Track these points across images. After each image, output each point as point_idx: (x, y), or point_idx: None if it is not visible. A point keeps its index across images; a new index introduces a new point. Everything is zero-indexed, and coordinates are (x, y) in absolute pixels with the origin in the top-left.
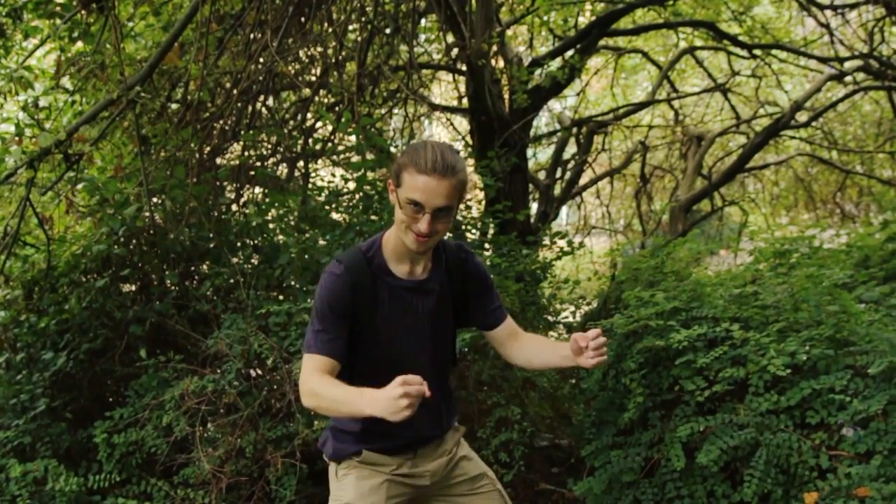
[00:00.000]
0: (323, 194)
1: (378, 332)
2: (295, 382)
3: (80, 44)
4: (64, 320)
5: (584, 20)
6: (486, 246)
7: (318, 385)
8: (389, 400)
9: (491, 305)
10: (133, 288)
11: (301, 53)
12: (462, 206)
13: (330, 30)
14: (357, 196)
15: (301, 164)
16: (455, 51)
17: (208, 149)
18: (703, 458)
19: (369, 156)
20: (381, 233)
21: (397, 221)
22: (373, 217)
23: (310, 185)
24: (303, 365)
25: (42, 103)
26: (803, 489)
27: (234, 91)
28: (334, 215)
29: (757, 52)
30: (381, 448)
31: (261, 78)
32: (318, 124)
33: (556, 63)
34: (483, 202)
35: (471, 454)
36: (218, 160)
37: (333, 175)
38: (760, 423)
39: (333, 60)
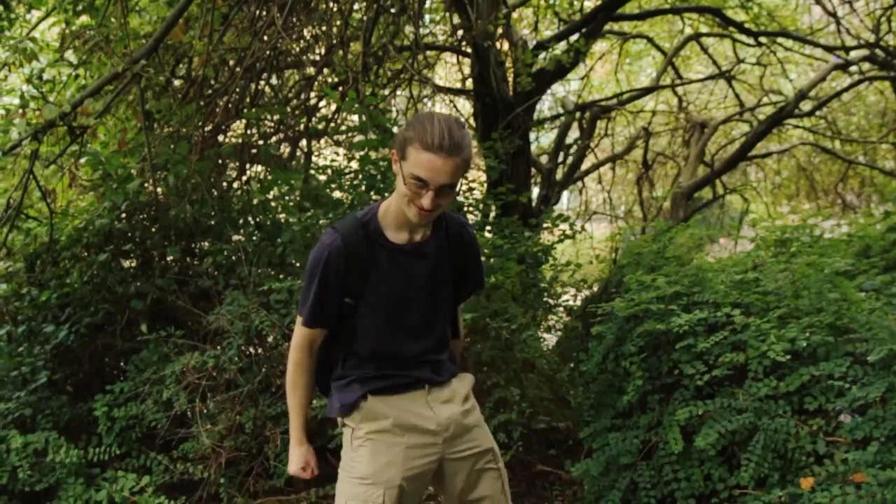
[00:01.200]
0: (325, 173)
1: (374, 295)
2: None
3: (84, 17)
4: (65, 294)
5: (589, 4)
6: (489, 227)
7: (296, 372)
8: (293, 463)
9: (469, 283)
10: (134, 263)
11: (306, 32)
12: (465, 188)
13: (335, 8)
14: (360, 175)
15: (304, 142)
16: (460, 32)
17: (211, 125)
18: (700, 442)
19: (372, 135)
20: (379, 201)
21: (400, 194)
22: (375, 196)
23: (312, 164)
24: (296, 327)
25: (46, 76)
26: (800, 474)
27: (239, 68)
28: (337, 194)
29: (762, 39)
30: (385, 388)
31: (265, 55)
32: (322, 103)
33: (560, 47)
34: (486, 184)
35: (483, 423)
36: (221, 137)
37: (336, 154)
38: (759, 408)
39: (338, 39)
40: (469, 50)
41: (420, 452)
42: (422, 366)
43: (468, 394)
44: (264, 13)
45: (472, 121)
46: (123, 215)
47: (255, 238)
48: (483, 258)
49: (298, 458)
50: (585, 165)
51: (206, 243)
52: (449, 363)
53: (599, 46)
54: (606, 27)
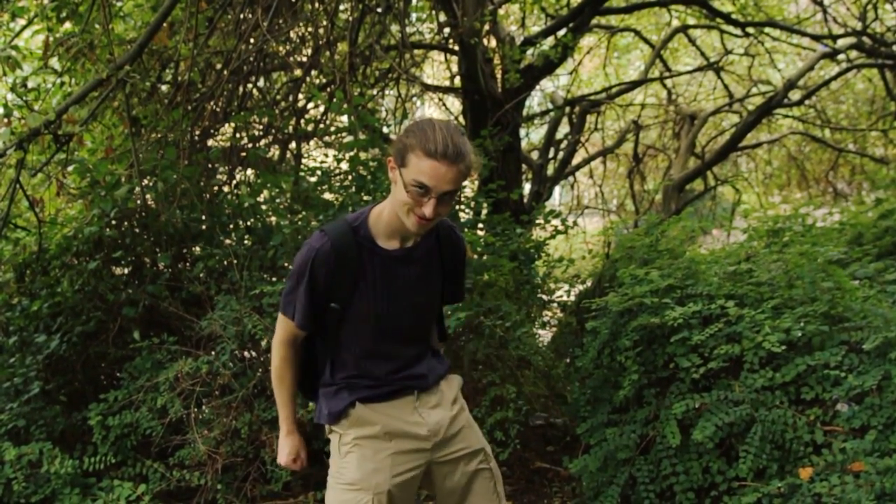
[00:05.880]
0: (315, 175)
1: (363, 302)
2: None
3: (68, 24)
4: (56, 303)
5: None
6: (480, 225)
7: (282, 367)
8: (283, 454)
9: (453, 289)
10: (125, 270)
11: (292, 33)
12: None
13: (321, 9)
14: (350, 176)
15: (293, 144)
16: (447, 30)
17: (199, 130)
18: (698, 435)
19: (361, 136)
20: (370, 206)
21: (398, 202)
22: (365, 197)
23: (302, 166)
24: (277, 324)
25: (30, 84)
26: (798, 464)
27: (225, 71)
28: (327, 196)
29: (750, 30)
30: (374, 395)
31: (252, 58)
32: (310, 105)
33: (548, 42)
34: (476, 181)
35: (473, 423)
36: (209, 141)
37: (326, 156)
38: (755, 399)
39: (325, 40)
40: (456, 48)
41: (407, 458)
42: (410, 372)
43: (456, 396)
44: (249, 15)
45: (461, 118)
46: (113, 222)
47: (245, 242)
48: (475, 256)
49: (289, 449)
50: (576, 160)
51: (197, 248)
52: (437, 366)
53: (587, 41)
54: (594, 21)
